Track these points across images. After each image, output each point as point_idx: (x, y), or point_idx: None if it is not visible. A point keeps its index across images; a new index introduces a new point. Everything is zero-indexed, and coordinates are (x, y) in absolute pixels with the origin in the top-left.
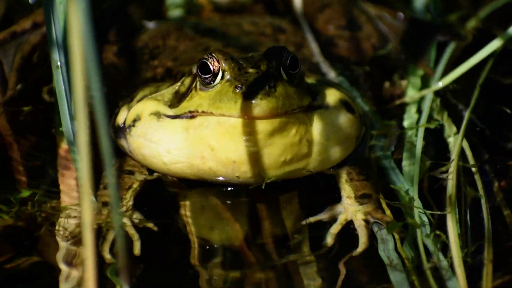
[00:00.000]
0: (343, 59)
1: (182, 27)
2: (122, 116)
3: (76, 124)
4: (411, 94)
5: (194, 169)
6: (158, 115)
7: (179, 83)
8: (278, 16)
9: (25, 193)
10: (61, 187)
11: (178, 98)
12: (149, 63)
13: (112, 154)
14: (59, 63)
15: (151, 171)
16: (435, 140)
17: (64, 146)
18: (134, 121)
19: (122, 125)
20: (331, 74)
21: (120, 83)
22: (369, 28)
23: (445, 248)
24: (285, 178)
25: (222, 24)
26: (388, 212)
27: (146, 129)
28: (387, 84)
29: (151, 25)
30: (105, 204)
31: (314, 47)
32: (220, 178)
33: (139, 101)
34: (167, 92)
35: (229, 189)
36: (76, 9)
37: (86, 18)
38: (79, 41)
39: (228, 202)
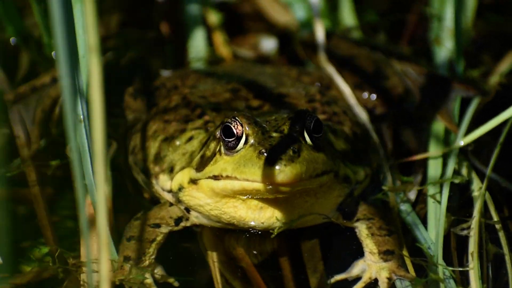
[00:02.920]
0: (369, 107)
1: (201, 71)
2: (166, 184)
3: (94, 176)
4: (434, 149)
5: (227, 216)
6: (193, 181)
7: (204, 148)
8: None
9: (44, 249)
10: (83, 240)
11: (204, 162)
12: (165, 97)
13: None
14: (82, 117)
15: (177, 222)
16: (459, 196)
17: (86, 199)
18: (179, 189)
19: (169, 190)
20: (363, 116)
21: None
22: (396, 79)
23: None
24: (306, 225)
25: (244, 67)
26: (411, 268)
27: (189, 192)
28: (410, 138)
29: (166, 73)
30: (127, 258)
31: (344, 87)
32: (249, 224)
33: (178, 172)
34: (197, 158)
35: (254, 236)
36: (96, 63)
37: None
38: (99, 95)
39: (253, 252)
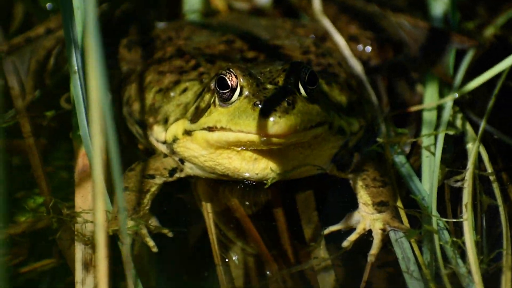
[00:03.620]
0: (363, 59)
1: (196, 23)
2: (161, 135)
3: (91, 126)
4: (429, 101)
5: (221, 167)
6: (188, 132)
7: (199, 99)
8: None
9: (39, 200)
10: (77, 191)
11: (199, 114)
12: (160, 49)
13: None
14: (76, 68)
15: (171, 173)
16: (453, 147)
17: (81, 150)
18: (174, 140)
19: (163, 141)
20: (358, 68)
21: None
22: (390, 31)
23: (462, 256)
24: (300, 176)
25: (239, 19)
26: (405, 219)
27: (184, 143)
28: (405, 90)
29: (161, 25)
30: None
31: (339, 39)
32: (243, 175)
33: (172, 123)
34: (192, 109)
35: (249, 187)
36: (92, 13)
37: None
38: (94, 44)
39: (247, 203)
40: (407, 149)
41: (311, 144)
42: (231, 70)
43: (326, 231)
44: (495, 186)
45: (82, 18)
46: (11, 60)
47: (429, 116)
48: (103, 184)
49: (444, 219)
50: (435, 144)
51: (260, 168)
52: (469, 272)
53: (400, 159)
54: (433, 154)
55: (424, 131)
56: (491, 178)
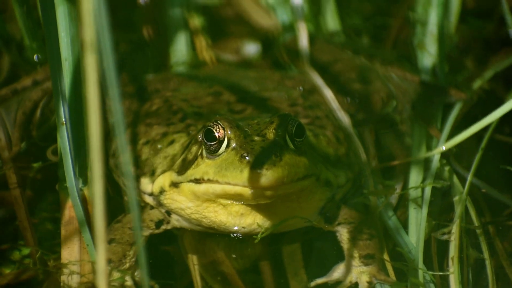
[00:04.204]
0: (351, 112)
1: (184, 74)
2: (148, 187)
3: (92, 170)
4: (416, 154)
5: (207, 220)
6: (175, 184)
7: (186, 151)
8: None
9: (25, 251)
10: (63, 243)
11: (186, 166)
12: (147, 100)
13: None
14: (64, 120)
15: (158, 225)
16: (440, 200)
17: (67, 202)
18: (161, 192)
19: (150, 193)
20: (346, 120)
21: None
22: (378, 84)
23: None
24: (287, 229)
25: (227, 70)
26: (391, 272)
27: (170, 195)
28: (392, 142)
29: (149, 76)
30: (107, 261)
31: (327, 92)
32: (229, 229)
33: (159, 175)
34: (179, 161)
35: (235, 239)
36: (93, 60)
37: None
38: (95, 90)
39: (234, 256)
40: (394, 202)
41: (299, 197)
42: (219, 122)
43: (313, 284)
44: (482, 239)
45: (70, 69)
46: None
47: (416, 169)
48: (104, 229)
49: (431, 272)
50: (422, 196)
51: (247, 223)
52: None
53: (387, 211)
54: (420, 207)
55: (411, 183)
56: (478, 231)
